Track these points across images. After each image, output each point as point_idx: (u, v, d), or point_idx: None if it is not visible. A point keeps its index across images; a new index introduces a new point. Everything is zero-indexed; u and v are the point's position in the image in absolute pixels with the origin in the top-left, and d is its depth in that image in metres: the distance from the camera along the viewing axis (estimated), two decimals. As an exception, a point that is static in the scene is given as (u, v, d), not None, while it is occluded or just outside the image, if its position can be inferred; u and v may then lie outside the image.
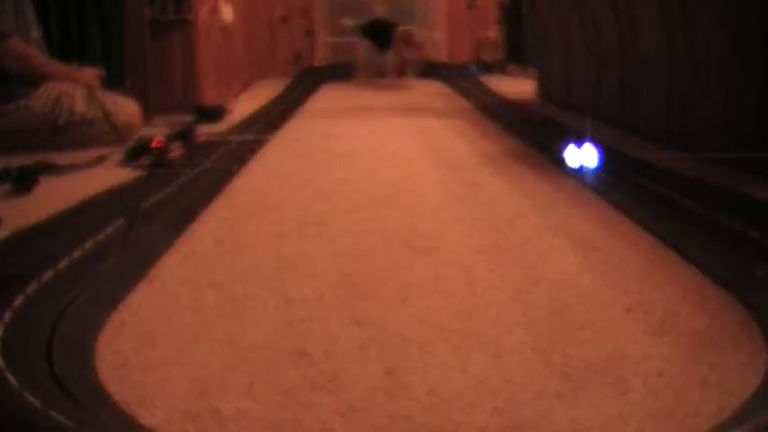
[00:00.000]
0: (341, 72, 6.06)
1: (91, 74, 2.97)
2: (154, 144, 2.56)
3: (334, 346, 0.99)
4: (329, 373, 0.91)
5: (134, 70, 3.09)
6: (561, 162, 2.16)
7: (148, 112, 3.30)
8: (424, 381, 0.89)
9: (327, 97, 4.96)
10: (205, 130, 3.16)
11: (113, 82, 3.21)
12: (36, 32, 3.09)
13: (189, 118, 3.50)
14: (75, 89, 2.83)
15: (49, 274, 1.25)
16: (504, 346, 0.98)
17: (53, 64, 2.93)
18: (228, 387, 0.88)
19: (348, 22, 6.64)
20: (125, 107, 2.96)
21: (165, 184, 2.05)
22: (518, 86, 4.77)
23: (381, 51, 5.92)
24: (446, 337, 1.01)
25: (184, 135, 2.92)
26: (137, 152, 2.49)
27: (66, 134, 2.78)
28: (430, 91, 4.96)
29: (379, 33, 5.94)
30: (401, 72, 5.93)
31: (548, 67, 4.23)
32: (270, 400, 0.85)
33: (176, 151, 2.66)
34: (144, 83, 3.07)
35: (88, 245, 1.45)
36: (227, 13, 4.04)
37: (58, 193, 1.99)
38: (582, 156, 2.08)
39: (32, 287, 1.20)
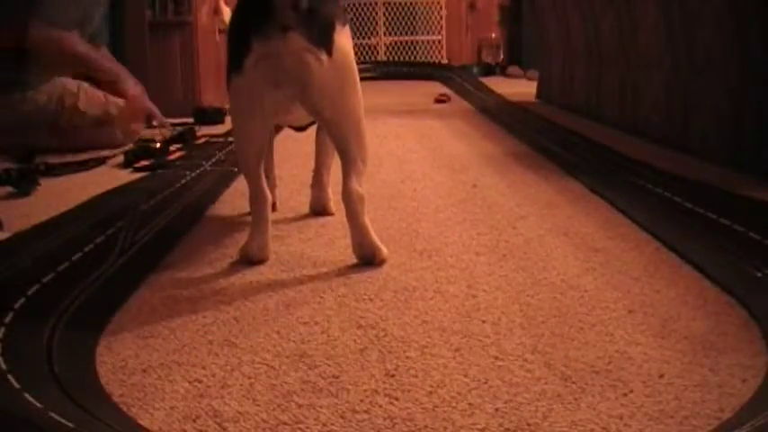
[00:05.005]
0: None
1: (136, 92, 3.00)
2: (154, 146, 2.56)
3: (335, 348, 0.99)
4: (330, 375, 0.91)
5: (134, 72, 3.09)
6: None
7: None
8: (424, 383, 0.89)
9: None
10: (205, 132, 3.16)
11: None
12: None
13: (189, 120, 3.50)
14: (78, 88, 2.83)
15: (49, 276, 1.25)
16: (505, 347, 0.98)
17: (110, 62, 3.00)
18: (228, 389, 0.88)
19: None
20: (125, 109, 2.96)
21: (165, 185, 2.05)
22: (519, 88, 4.76)
23: None
24: (447, 338, 1.01)
25: (184, 137, 2.93)
26: (137, 154, 2.49)
27: (67, 136, 2.78)
28: (429, 92, 4.96)
29: None
30: None
31: (548, 68, 4.23)
32: (270, 402, 0.85)
33: (176, 153, 2.67)
34: (144, 85, 3.08)
35: (88, 247, 1.45)
36: (227, 15, 4.04)
37: (58, 195, 1.99)
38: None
39: (33, 289, 1.20)
